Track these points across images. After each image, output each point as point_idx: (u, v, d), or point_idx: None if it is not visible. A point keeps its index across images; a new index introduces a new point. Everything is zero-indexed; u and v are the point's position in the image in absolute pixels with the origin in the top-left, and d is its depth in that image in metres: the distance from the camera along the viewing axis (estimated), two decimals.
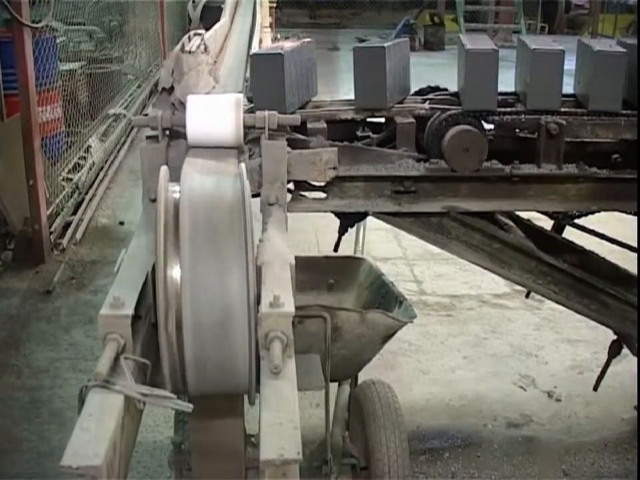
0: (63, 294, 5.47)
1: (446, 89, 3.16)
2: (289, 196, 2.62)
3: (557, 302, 3.26)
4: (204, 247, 1.64)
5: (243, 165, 1.85)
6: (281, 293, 1.67)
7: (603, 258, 3.42)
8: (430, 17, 18.77)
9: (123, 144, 9.02)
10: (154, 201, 2.11)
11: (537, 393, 4.38)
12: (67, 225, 6.50)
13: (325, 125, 2.80)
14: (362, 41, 18.87)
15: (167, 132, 2.27)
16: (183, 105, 2.23)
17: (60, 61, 7.63)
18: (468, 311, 5.34)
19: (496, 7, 19.29)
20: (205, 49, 2.44)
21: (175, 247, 1.66)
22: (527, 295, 4.22)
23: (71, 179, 7.11)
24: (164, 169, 1.79)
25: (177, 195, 1.75)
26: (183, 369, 1.67)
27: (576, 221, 3.46)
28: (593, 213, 3.24)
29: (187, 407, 1.55)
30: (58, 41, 7.59)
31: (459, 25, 17.18)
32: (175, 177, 1.84)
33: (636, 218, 3.10)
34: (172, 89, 2.37)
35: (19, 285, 5.60)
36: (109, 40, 10.69)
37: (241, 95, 2.21)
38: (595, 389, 3.91)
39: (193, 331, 1.62)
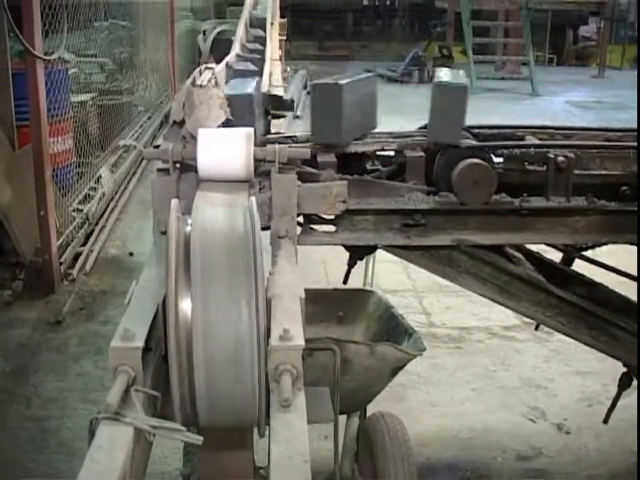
0: (73, 324, 5.48)
1: None
2: (299, 229, 2.64)
3: (566, 334, 3.26)
4: (214, 279, 1.65)
5: (253, 198, 1.87)
6: (290, 326, 1.68)
7: (612, 290, 3.41)
8: (439, 49, 18.88)
9: (133, 175, 9.07)
10: (164, 233, 2.13)
11: (546, 425, 4.36)
12: (77, 256, 6.52)
13: (334, 159, 2.82)
14: (370, 72, 19.01)
15: (178, 165, 2.29)
16: (193, 138, 2.25)
17: (71, 93, 7.69)
18: (477, 343, 5.32)
19: (504, 38, 19.37)
20: (216, 82, 2.46)
21: (185, 280, 1.67)
22: (536, 328, 4.21)
23: (82, 210, 7.14)
24: (175, 202, 1.80)
25: (187, 228, 1.76)
26: (193, 401, 1.68)
27: (585, 253, 3.46)
28: (601, 245, 3.24)
29: (197, 439, 1.55)
30: (70, 72, 7.66)
31: (467, 57, 17.24)
32: (186, 209, 1.86)
33: None
34: (183, 122, 2.39)
35: (29, 314, 5.61)
36: (120, 72, 10.76)
37: (252, 129, 2.23)
38: (605, 421, 3.89)
39: (203, 364, 1.63)
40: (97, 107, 8.82)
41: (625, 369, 3.63)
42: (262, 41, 4.20)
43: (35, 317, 5.56)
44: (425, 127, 3.10)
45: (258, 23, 4.69)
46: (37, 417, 4.33)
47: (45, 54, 6.00)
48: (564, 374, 4.91)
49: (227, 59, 3.28)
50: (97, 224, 7.30)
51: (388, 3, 28.77)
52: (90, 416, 1.55)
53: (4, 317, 5.55)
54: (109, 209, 7.80)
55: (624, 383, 3.73)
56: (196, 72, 2.59)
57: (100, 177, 8.06)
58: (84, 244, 6.79)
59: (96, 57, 9.81)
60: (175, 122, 2.44)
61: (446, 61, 18.07)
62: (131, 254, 6.79)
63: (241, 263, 1.67)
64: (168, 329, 1.65)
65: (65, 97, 7.15)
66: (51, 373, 4.79)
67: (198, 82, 2.43)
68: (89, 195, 7.61)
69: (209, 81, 2.44)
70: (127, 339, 1.66)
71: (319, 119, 2.82)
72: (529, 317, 3.30)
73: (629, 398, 3.95)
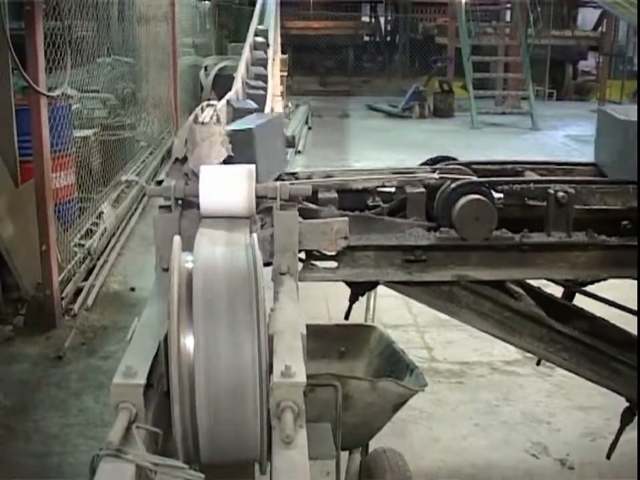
0: (74, 359, 5.47)
1: (455, 159, 3.20)
2: (301, 265, 2.65)
3: (568, 369, 3.25)
4: (216, 316, 1.66)
5: (254, 235, 1.88)
6: (292, 363, 1.69)
7: (613, 324, 3.42)
8: (439, 84, 19.00)
9: (135, 210, 9.10)
10: (166, 270, 2.14)
11: (549, 460, 4.34)
12: (78, 291, 6.53)
13: (335, 195, 2.84)
14: (371, 108, 19.13)
15: (180, 202, 2.31)
16: (195, 175, 2.27)
17: (74, 128, 7.74)
18: (479, 378, 5.31)
19: (504, 73, 19.51)
20: (218, 119, 2.48)
21: (187, 317, 1.68)
22: (538, 363, 4.21)
23: (83, 245, 7.16)
24: (177, 239, 1.82)
25: (189, 265, 1.77)
26: (195, 437, 1.68)
27: (586, 287, 3.47)
28: (603, 280, 3.25)
29: (199, 477, 1.55)
30: (72, 108, 7.71)
31: (468, 92, 17.34)
32: (188, 246, 1.87)
33: None
34: (185, 159, 2.41)
35: (29, 350, 5.61)
36: (122, 107, 10.82)
37: (253, 166, 2.25)
38: (608, 456, 3.87)
39: (205, 401, 1.63)
40: (99, 143, 8.87)
41: (627, 404, 3.63)
42: (264, 78, 4.23)
43: (36, 352, 5.56)
44: (426, 163, 3.12)
45: (259, 62, 4.72)
46: (38, 453, 4.32)
47: (49, 90, 6.05)
48: (566, 409, 4.89)
49: (227, 96, 3.31)
50: (98, 259, 7.31)
51: (388, 39, 29.03)
52: (91, 452, 1.55)
53: (5, 352, 5.55)
54: (110, 244, 7.82)
55: (626, 418, 3.72)
56: (198, 109, 2.61)
57: (102, 212, 8.09)
58: (85, 279, 6.80)
59: (98, 92, 9.88)
60: (177, 159, 2.45)
61: (446, 96, 18.22)
62: (133, 289, 6.79)
63: (243, 299, 1.68)
64: (170, 366, 1.65)
65: (68, 132, 7.20)
66: (52, 409, 4.78)
67: (200, 119, 2.45)
68: (90, 230, 7.63)
69: (211, 118, 2.46)
70: (129, 376, 1.66)
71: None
72: (531, 353, 3.31)
73: (631, 432, 3.94)
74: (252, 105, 3.32)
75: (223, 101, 3.12)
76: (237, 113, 3.08)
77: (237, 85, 3.74)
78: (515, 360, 5.48)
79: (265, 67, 4.64)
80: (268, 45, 5.20)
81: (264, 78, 4.26)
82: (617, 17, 18.29)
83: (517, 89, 18.77)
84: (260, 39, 5.34)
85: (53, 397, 4.94)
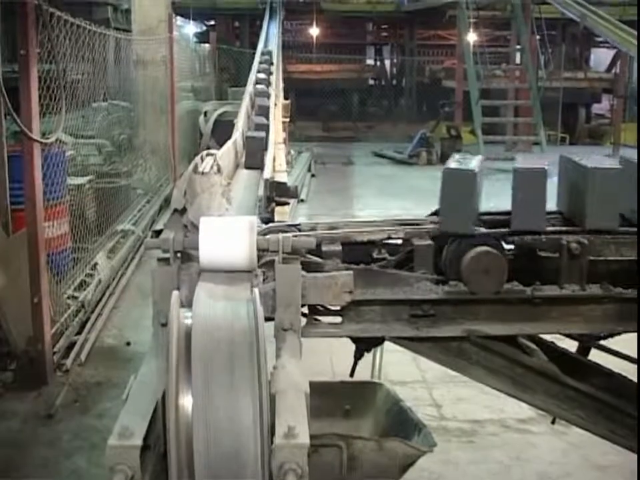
0: (66, 418, 5.45)
1: None
2: (304, 320, 2.66)
3: (584, 428, 3.23)
4: (216, 375, 1.67)
5: (256, 290, 1.89)
6: (295, 423, 1.69)
7: (631, 380, 3.40)
8: (447, 129, 19.10)
9: (131, 261, 9.12)
10: (165, 325, 2.15)
11: None
12: (71, 345, 6.52)
13: (340, 247, 2.85)
14: (377, 154, 19.22)
15: (179, 254, 2.32)
16: (195, 227, 2.28)
17: (68, 175, 7.78)
18: (491, 436, 5.28)
19: (514, 118, 19.59)
20: (218, 169, 2.50)
21: (186, 375, 1.69)
22: (553, 421, 4.18)
23: (77, 297, 7.17)
24: (175, 294, 1.83)
25: (188, 321, 1.78)
26: None
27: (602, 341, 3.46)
28: (619, 334, 3.24)
29: None
30: (66, 154, 7.76)
31: (477, 138, 17.41)
32: (187, 300, 1.89)
33: None
34: (184, 210, 2.43)
35: (19, 407, 5.58)
36: (118, 153, 10.91)
37: (255, 218, 2.26)
38: None
39: (204, 463, 1.63)
40: (94, 190, 8.93)
41: None
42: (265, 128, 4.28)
43: (26, 410, 5.54)
44: (434, 214, 3.14)
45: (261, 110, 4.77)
46: None
47: (42, 135, 6.09)
48: (582, 468, 4.86)
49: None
50: (92, 312, 7.31)
51: (394, 82, 29.28)
52: None
53: None
54: (105, 297, 7.83)
55: None
56: (197, 158, 2.64)
57: (96, 263, 8.11)
58: (79, 333, 6.80)
59: (94, 138, 9.96)
60: (176, 210, 2.47)
61: (454, 141, 18.28)
62: (128, 343, 6.78)
63: (244, 358, 1.69)
64: (168, 426, 1.65)
65: (62, 180, 7.24)
66: (42, 470, 4.75)
67: (200, 169, 2.47)
68: (84, 281, 7.65)
69: (211, 167, 2.48)
70: (125, 437, 1.67)
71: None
72: (545, 411, 3.29)
73: None
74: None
75: (224, 149, 3.15)
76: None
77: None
78: (529, 418, 5.46)
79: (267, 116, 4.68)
80: (269, 97, 5.25)
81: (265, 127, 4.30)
82: (629, 55, 18.40)
83: (528, 133, 18.86)
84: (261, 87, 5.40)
85: (43, 457, 4.91)
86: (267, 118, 4.62)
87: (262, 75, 6.30)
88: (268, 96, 5.23)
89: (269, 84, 6.42)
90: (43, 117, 6.31)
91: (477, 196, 2.90)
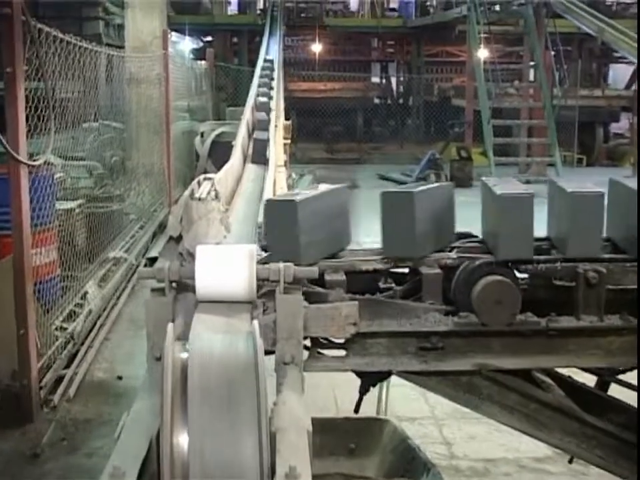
0: (53, 457, 5.43)
1: (474, 235, 3.21)
2: (306, 353, 2.65)
3: (603, 468, 3.22)
4: (214, 412, 1.67)
5: (256, 321, 1.90)
6: (297, 463, 1.69)
7: None
8: (457, 151, 19.10)
9: (123, 290, 9.12)
10: (159, 359, 2.15)
11: None
12: (59, 379, 6.50)
13: (344, 277, 2.85)
14: (383, 177, 19.23)
15: (174, 284, 2.32)
16: (191, 255, 2.28)
17: (57, 199, 7.79)
18: (505, 476, 5.26)
19: (528, 138, 19.61)
20: (216, 195, 2.51)
21: (182, 412, 1.69)
22: (571, 460, 4.17)
23: (66, 328, 7.16)
24: (170, 327, 1.83)
25: (184, 355, 1.79)
26: None
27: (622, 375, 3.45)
28: None
29: None
30: (55, 177, 7.76)
31: (488, 159, 17.41)
32: (183, 333, 1.89)
33: None
34: (180, 237, 2.43)
35: (3, 446, 5.57)
36: (110, 176, 10.93)
37: (254, 246, 2.27)
38: None
39: None
40: (84, 216, 8.94)
41: None
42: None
43: (10, 449, 5.52)
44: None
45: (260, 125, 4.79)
46: None
47: (30, 157, 6.10)
48: None
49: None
50: (82, 344, 7.30)
51: (401, 101, 29.35)
52: None
53: None
54: (95, 328, 7.82)
55: None
56: (194, 183, 2.65)
57: (87, 292, 8.11)
58: (67, 366, 6.79)
59: (84, 160, 9.97)
60: (171, 237, 2.47)
61: (465, 163, 18.28)
62: (120, 378, 6.76)
63: (243, 394, 1.69)
64: (162, 467, 1.65)
65: (50, 204, 7.24)
66: None
67: (196, 195, 2.47)
68: (74, 311, 7.64)
69: (208, 193, 2.49)
70: (117, 478, 1.67)
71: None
72: (562, 449, 3.28)
73: None
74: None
75: (221, 173, 3.16)
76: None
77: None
78: (545, 456, 5.43)
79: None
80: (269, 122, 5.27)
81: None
82: None
83: (543, 154, 18.83)
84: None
85: None
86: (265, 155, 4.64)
87: (263, 99, 6.31)
88: (267, 128, 5.22)
89: (269, 110, 6.43)
90: (31, 137, 6.32)
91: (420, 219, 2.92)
